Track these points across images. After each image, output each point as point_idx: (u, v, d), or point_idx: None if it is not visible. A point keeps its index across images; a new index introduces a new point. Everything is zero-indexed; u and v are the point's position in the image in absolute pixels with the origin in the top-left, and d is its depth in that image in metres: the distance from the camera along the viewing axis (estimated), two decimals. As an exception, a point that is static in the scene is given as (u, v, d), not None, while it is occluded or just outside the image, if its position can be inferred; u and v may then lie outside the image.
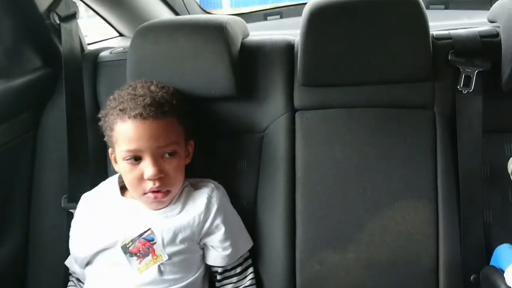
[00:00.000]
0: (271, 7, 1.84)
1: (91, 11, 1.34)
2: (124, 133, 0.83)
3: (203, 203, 0.89)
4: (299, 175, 0.97)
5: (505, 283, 0.77)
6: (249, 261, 0.96)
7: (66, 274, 1.01)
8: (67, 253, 0.96)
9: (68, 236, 0.95)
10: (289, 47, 1.03)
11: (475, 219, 0.91)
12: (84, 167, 1.04)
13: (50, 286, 1.03)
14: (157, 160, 0.83)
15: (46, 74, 1.11)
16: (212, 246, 0.91)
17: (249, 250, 0.96)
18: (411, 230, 0.93)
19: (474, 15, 1.47)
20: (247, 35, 1.11)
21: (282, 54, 1.02)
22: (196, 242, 0.90)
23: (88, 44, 1.26)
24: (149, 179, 0.83)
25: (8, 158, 1.02)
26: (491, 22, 1.03)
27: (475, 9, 1.57)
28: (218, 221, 0.89)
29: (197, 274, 0.90)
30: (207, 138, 1.00)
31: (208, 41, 0.94)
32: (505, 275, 0.77)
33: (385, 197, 0.94)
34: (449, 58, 0.95)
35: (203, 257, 0.93)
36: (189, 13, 1.56)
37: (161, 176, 0.83)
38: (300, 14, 0.96)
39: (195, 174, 0.95)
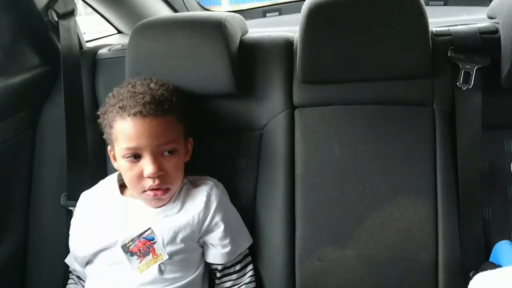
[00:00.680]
0: (270, 3, 1.83)
1: (89, 8, 1.33)
2: (124, 131, 0.82)
3: (202, 201, 0.89)
4: (298, 172, 0.97)
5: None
6: (249, 258, 0.97)
7: (65, 271, 1.01)
8: (66, 250, 0.96)
9: (67, 234, 0.95)
10: (288, 44, 1.03)
11: (474, 215, 0.91)
12: (83, 165, 1.04)
13: (50, 284, 1.04)
14: (157, 158, 0.83)
15: (44, 72, 1.10)
16: (211, 244, 0.91)
17: (249, 247, 0.96)
18: (410, 227, 0.93)
19: (474, 12, 1.46)
20: (246, 32, 1.10)
21: (281, 51, 1.01)
22: (196, 240, 0.90)
23: (87, 41, 1.26)
24: (148, 177, 0.83)
25: (7, 156, 1.02)
26: (491, 18, 1.03)
27: (475, 5, 1.56)
28: (218, 218, 0.89)
29: (197, 273, 0.90)
30: (206, 135, 1.00)
31: (207, 38, 0.93)
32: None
33: (384, 194, 0.94)
34: (449, 54, 0.95)
35: (203, 255, 0.93)
36: (188, 10, 1.55)
37: (161, 174, 0.83)
38: (299, 11, 0.96)
39: (194, 172, 0.95)
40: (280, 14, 1.75)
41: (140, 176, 0.84)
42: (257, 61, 1.01)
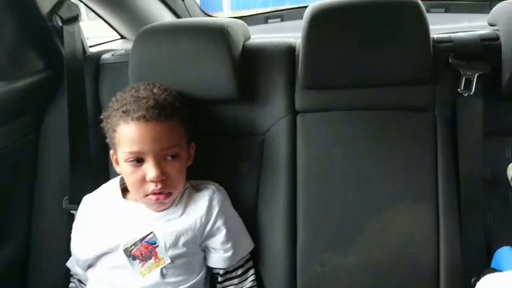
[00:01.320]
0: (272, 10, 1.84)
1: (92, 13, 1.34)
2: (127, 135, 0.83)
3: (204, 205, 0.89)
4: (300, 177, 0.98)
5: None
6: (250, 263, 0.97)
7: (66, 275, 1.01)
8: (68, 254, 0.97)
9: (69, 237, 0.96)
10: (290, 50, 1.03)
11: (476, 221, 0.91)
12: (86, 168, 1.05)
13: (51, 287, 1.03)
14: (160, 162, 0.83)
15: (48, 76, 1.11)
16: (213, 248, 0.91)
17: (250, 252, 0.96)
18: (412, 233, 0.93)
19: (474, 19, 1.47)
20: (249, 37, 1.11)
21: (284, 56, 1.02)
22: (198, 244, 0.90)
23: (90, 46, 1.26)
24: (151, 181, 0.83)
25: (10, 160, 1.02)
26: (491, 25, 1.03)
27: (475, 13, 1.57)
28: (220, 223, 0.90)
29: (198, 277, 0.90)
30: (208, 140, 1.00)
31: (210, 43, 0.94)
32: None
33: (386, 199, 0.94)
34: (450, 61, 0.95)
35: (205, 259, 0.93)
36: (191, 16, 1.56)
37: (163, 178, 0.83)
38: (300, 18, 0.97)
39: (196, 176, 0.96)
40: (282, 20, 1.76)
41: (143, 180, 0.84)
42: (259, 66, 1.02)
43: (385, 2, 0.93)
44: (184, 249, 0.87)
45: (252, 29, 1.15)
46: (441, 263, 0.91)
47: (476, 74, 0.93)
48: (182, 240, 0.86)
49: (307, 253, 0.95)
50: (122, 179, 0.93)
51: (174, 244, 0.86)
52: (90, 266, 0.91)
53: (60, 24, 1.07)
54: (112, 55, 1.15)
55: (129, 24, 1.35)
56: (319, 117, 1.00)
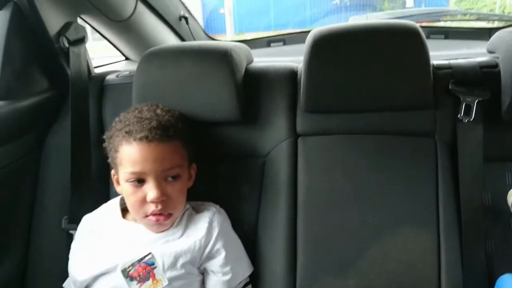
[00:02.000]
0: (275, 34, 1.88)
1: (96, 34, 1.37)
2: (129, 155, 0.83)
3: (204, 227, 0.89)
4: (301, 200, 0.98)
5: None
6: (249, 287, 0.95)
7: (63, 295, 1.00)
8: (65, 274, 0.95)
9: (67, 258, 0.95)
10: (292, 74, 1.05)
11: (477, 248, 0.91)
12: (87, 188, 1.05)
13: None
14: (161, 183, 0.84)
15: (53, 96, 1.13)
16: (212, 271, 0.90)
17: (250, 275, 0.95)
18: (412, 258, 0.92)
19: (474, 46, 1.49)
20: (251, 61, 1.13)
21: (286, 80, 1.04)
22: (197, 266, 0.89)
23: (95, 67, 1.28)
24: (152, 202, 0.83)
25: (12, 178, 1.03)
26: (491, 52, 1.05)
27: (475, 40, 1.60)
28: (219, 245, 0.89)
29: (196, 300, 0.89)
30: (209, 161, 1.01)
31: (213, 66, 0.96)
32: None
33: (386, 224, 0.94)
34: (450, 87, 0.96)
35: (203, 282, 0.92)
36: (195, 39, 1.59)
37: (164, 199, 0.83)
38: (302, 42, 0.98)
39: (196, 198, 0.96)
40: (284, 44, 1.79)
41: (143, 201, 0.84)
42: (261, 89, 1.03)
43: (386, 29, 0.95)
44: (182, 271, 0.86)
45: (254, 52, 1.18)
46: None
47: (476, 101, 0.94)
48: (180, 262, 0.86)
49: (307, 277, 0.94)
50: (122, 199, 0.93)
51: (173, 265, 0.85)
52: (87, 286, 0.90)
53: (67, 45, 1.09)
54: (117, 76, 1.17)
55: (134, 46, 1.38)
56: (320, 141, 1.00)
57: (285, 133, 1.01)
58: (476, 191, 0.92)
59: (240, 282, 0.93)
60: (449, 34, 1.67)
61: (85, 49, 1.15)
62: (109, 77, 1.17)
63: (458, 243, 0.91)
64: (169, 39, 1.46)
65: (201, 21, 1.65)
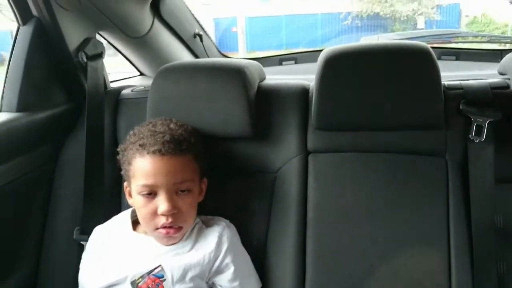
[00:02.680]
0: (287, 52, 1.90)
1: (111, 50, 1.40)
2: (142, 168, 0.85)
3: (213, 241, 0.89)
4: (310, 217, 0.98)
5: None
6: (257, 302, 0.95)
7: (73, 306, 1.01)
8: (76, 284, 0.96)
9: (77, 268, 0.96)
10: (304, 92, 1.06)
11: (489, 270, 0.90)
12: (99, 200, 1.06)
13: None
14: (172, 196, 0.85)
15: (70, 108, 1.15)
16: (220, 286, 0.90)
17: (258, 291, 0.95)
18: (422, 278, 0.91)
19: (485, 67, 1.50)
20: (264, 78, 1.15)
21: (297, 98, 1.05)
22: (205, 280, 0.89)
23: (110, 81, 1.31)
24: (162, 215, 0.84)
25: (27, 188, 1.05)
26: (502, 74, 1.06)
27: (486, 61, 1.60)
28: (228, 260, 0.89)
29: (204, 314, 0.89)
30: (220, 176, 1.02)
31: (227, 83, 0.98)
32: None
33: (396, 244, 0.93)
34: (461, 107, 0.97)
35: (211, 297, 0.92)
36: (208, 56, 1.62)
37: (175, 212, 0.84)
38: (313, 60, 1.00)
39: (207, 212, 0.96)
40: (296, 62, 1.82)
41: (154, 214, 0.85)
42: (273, 106, 1.04)
43: (397, 49, 0.96)
44: (191, 284, 0.86)
45: (267, 70, 1.19)
46: None
47: (487, 121, 0.94)
48: (189, 275, 0.86)
49: None
50: (133, 212, 0.94)
51: (182, 278, 0.86)
52: (96, 297, 0.91)
53: (85, 60, 1.12)
54: (132, 90, 1.20)
55: (149, 61, 1.41)
56: (330, 158, 1.01)
57: (296, 150, 1.02)
58: (488, 212, 0.91)
59: (248, 298, 0.93)
60: (460, 55, 1.67)
61: (102, 64, 1.18)
62: (124, 91, 1.20)
63: (469, 264, 0.90)
64: (184, 56, 1.49)
65: (214, 39, 1.68)
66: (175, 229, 0.86)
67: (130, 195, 0.91)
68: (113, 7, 1.13)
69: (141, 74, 1.55)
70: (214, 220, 0.95)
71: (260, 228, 1.01)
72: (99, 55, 1.17)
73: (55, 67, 1.11)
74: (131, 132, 0.92)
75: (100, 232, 0.97)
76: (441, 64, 0.93)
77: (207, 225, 0.94)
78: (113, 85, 1.30)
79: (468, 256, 0.91)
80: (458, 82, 1.03)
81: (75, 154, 1.11)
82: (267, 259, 0.98)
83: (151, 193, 0.85)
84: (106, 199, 1.07)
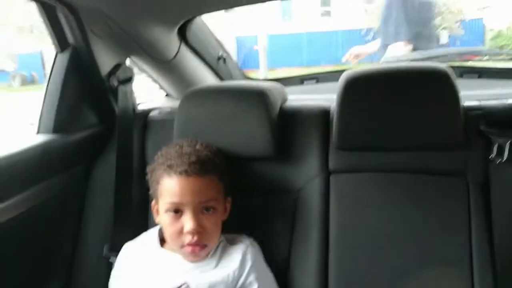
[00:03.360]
0: (308, 72, 1.93)
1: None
2: (170, 187, 0.88)
3: (238, 259, 0.92)
4: (333, 236, 0.99)
5: None
6: (280, 321, 0.96)
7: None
8: (105, 301, 0.99)
9: (107, 285, 0.99)
10: (325, 113, 1.09)
11: None
12: (128, 218, 1.10)
13: None
14: (197, 214, 0.88)
15: (101, 130, 1.20)
16: (244, 303, 0.92)
17: (281, 309, 0.96)
18: None
19: (508, 85, 1.48)
20: (286, 100, 1.18)
21: (318, 119, 1.07)
22: (229, 298, 0.91)
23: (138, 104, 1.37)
24: (188, 233, 0.87)
25: (59, 207, 1.09)
26: None
27: (509, 79, 1.58)
28: (252, 278, 0.91)
29: (228, 330, 0.90)
30: (244, 195, 1.04)
31: (250, 106, 1.01)
32: None
33: (418, 264, 0.93)
34: (481, 128, 0.97)
35: (235, 314, 0.93)
36: (232, 78, 1.66)
37: (200, 231, 0.87)
38: (334, 80, 1.02)
39: (231, 230, 0.98)
40: (317, 82, 1.84)
41: (180, 232, 0.88)
42: (295, 127, 1.07)
43: (415, 72, 0.98)
44: (215, 302, 0.88)
45: (288, 89, 1.22)
46: None
47: (508, 141, 0.94)
48: (214, 292, 0.88)
49: None
50: (161, 230, 0.97)
51: (207, 295, 0.88)
52: (124, 313, 0.94)
53: (116, 84, 1.18)
54: (159, 113, 1.25)
55: (175, 84, 1.46)
56: (352, 178, 1.02)
57: (317, 170, 1.04)
58: (510, 234, 0.91)
59: (271, 316, 0.94)
60: (482, 73, 1.66)
61: (132, 88, 1.24)
62: (152, 113, 1.25)
63: (493, 286, 0.89)
64: (208, 78, 1.53)
65: (235, 57, 1.72)
66: (200, 247, 0.89)
67: (157, 213, 0.94)
68: (143, 34, 1.19)
69: (167, 95, 1.60)
70: (238, 238, 0.97)
71: (283, 246, 1.03)
72: (129, 79, 1.22)
73: (88, 91, 1.16)
74: (159, 153, 0.96)
75: (129, 249, 1.00)
76: (463, 83, 0.94)
77: (231, 243, 0.96)
78: (140, 107, 1.35)
79: (491, 277, 0.90)
80: (478, 103, 1.03)
81: (105, 174, 1.16)
82: (290, 277, 1.00)
83: (178, 211, 0.88)
84: (134, 217, 1.11)
